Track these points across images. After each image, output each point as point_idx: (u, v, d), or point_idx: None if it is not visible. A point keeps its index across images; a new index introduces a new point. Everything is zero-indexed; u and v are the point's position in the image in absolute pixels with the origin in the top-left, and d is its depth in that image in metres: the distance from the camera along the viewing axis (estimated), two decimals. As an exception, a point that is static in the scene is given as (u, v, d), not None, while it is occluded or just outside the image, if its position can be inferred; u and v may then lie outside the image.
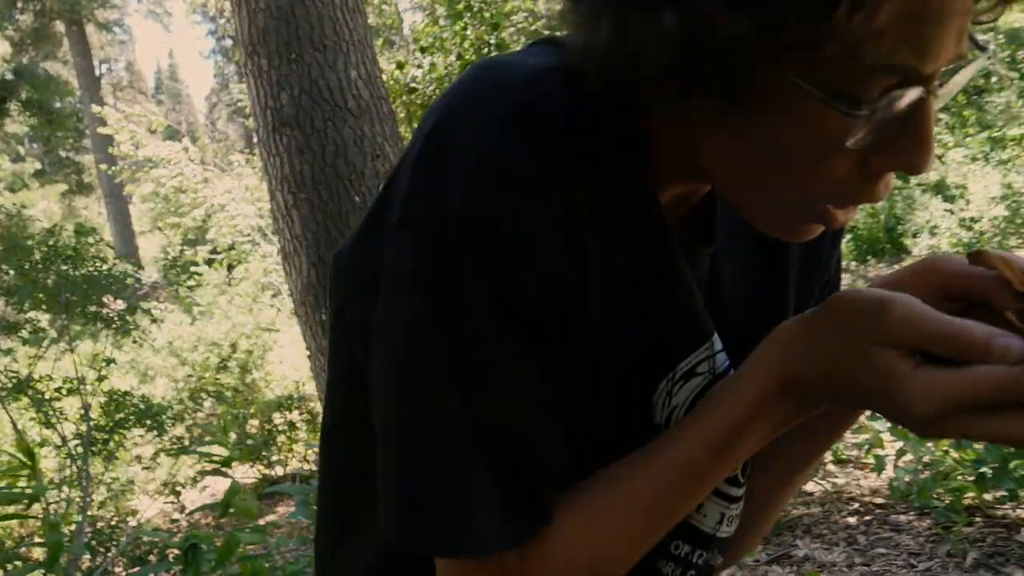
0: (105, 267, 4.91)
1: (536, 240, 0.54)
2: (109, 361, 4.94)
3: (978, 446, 2.95)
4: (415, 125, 6.40)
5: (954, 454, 3.12)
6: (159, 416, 4.67)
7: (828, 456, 3.78)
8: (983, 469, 2.86)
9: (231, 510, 2.47)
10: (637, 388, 0.62)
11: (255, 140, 4.17)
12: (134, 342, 5.35)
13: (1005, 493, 2.86)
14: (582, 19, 0.54)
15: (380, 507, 0.58)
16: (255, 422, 6.76)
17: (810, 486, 3.48)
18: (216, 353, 7.05)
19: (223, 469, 2.72)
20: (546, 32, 6.04)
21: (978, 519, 2.89)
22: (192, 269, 8.33)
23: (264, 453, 6.39)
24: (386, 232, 0.56)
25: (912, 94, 0.50)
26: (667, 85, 0.52)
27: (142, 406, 4.69)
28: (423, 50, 5.82)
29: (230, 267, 9.71)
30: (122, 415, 4.58)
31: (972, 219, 7.05)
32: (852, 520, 3.18)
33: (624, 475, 0.59)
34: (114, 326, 4.87)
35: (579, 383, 0.58)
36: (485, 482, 0.55)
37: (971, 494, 2.96)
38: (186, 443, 5.35)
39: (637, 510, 0.59)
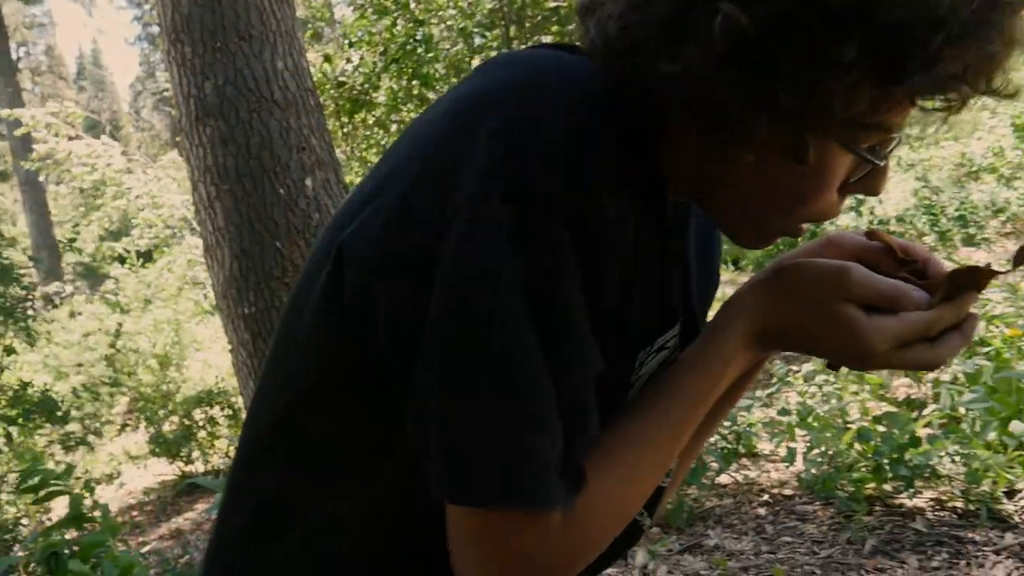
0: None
1: (609, 226, 0.61)
2: (8, 351, 4.78)
3: (877, 439, 3.09)
4: (344, 119, 6.39)
5: (857, 447, 3.26)
6: (54, 410, 4.54)
7: (742, 450, 3.91)
8: (882, 460, 3.00)
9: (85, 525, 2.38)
10: (627, 359, 0.71)
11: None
12: (33, 334, 5.19)
13: (902, 483, 3.01)
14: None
15: (433, 462, 0.60)
16: (175, 418, 6.62)
17: (723, 478, 3.60)
18: (133, 349, 6.88)
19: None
20: (475, 28, 6.08)
21: (877, 508, 3.03)
22: (112, 264, 8.12)
23: (184, 449, 6.27)
24: (459, 208, 0.58)
25: (894, 143, 0.66)
26: (748, 144, 0.62)
27: (37, 398, 4.55)
28: (351, 44, 5.78)
29: (149, 259, 9.50)
30: (17, 410, 4.44)
31: (881, 221, 7.38)
32: (761, 511, 3.29)
33: (636, 431, 0.68)
34: (15, 317, 4.72)
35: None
36: (554, 441, 0.60)
37: (872, 484, 3.11)
38: (83, 438, 5.20)
39: (648, 469, 0.68)
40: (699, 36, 0.57)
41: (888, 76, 0.57)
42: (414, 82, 5.67)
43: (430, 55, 5.65)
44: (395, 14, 5.66)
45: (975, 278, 0.67)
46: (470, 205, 0.58)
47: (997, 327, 4.08)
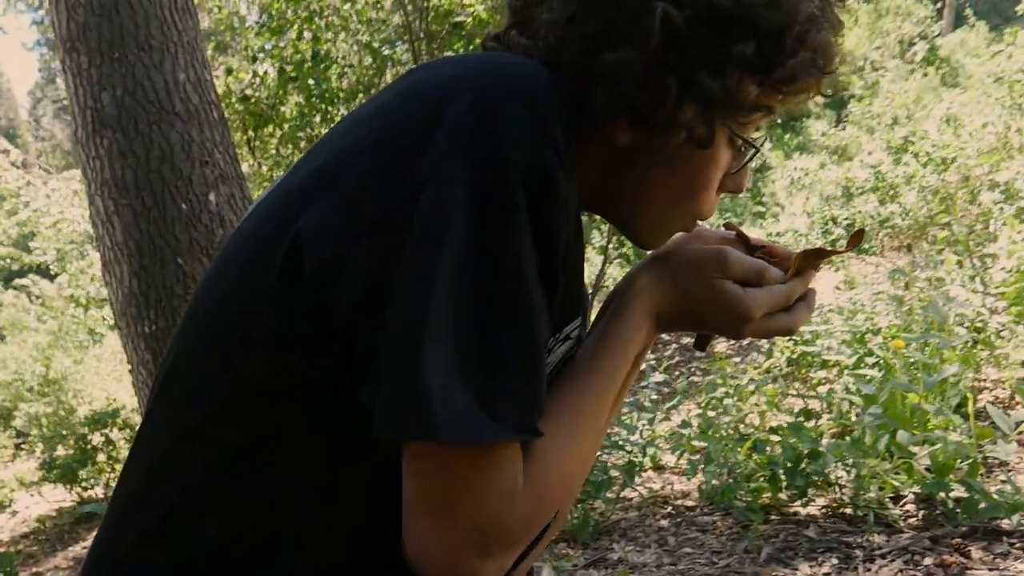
0: None
1: (562, 206, 0.66)
2: None
3: (774, 450, 3.20)
4: (251, 133, 6.27)
5: (755, 457, 3.37)
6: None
7: (648, 463, 3.99)
8: (778, 470, 3.11)
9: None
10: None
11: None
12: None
13: (796, 492, 3.12)
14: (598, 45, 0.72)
15: (397, 404, 0.60)
16: (70, 442, 6.33)
17: (628, 492, 3.66)
18: (15, 373, 6.57)
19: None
20: (379, 44, 6.06)
21: (773, 517, 3.13)
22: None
23: (80, 473, 6.01)
24: (432, 172, 0.63)
25: (761, 138, 0.82)
26: (676, 130, 0.73)
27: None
28: (255, 59, 5.69)
29: (48, 275, 9.11)
30: None
31: (778, 233, 7.70)
32: (664, 523, 3.36)
33: (571, 402, 0.73)
34: None
35: None
36: (522, 383, 0.63)
37: (768, 494, 3.21)
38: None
39: (586, 436, 0.73)
40: (636, 31, 0.70)
41: (769, 65, 0.72)
42: (314, 99, 5.62)
43: (330, 71, 5.61)
44: (298, 27, 5.61)
45: (818, 257, 0.82)
46: (436, 174, 0.62)
47: (884, 339, 4.29)
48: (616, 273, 8.42)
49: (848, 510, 3.04)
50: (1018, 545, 2.55)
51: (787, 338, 4.74)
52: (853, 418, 3.63)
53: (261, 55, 5.64)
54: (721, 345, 6.78)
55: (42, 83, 32.34)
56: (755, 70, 0.72)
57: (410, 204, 0.63)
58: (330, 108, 5.83)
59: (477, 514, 0.63)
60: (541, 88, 0.68)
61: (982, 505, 2.67)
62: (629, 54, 0.70)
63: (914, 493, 3.02)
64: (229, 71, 5.67)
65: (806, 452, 3.13)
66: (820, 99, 0.84)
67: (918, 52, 17.26)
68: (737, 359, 6.29)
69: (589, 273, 7.18)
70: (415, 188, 0.63)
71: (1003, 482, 2.90)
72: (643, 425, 3.83)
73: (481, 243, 0.62)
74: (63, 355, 7.41)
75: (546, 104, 0.67)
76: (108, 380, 7.63)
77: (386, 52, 5.93)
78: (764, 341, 6.01)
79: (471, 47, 5.56)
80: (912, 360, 3.67)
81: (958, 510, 2.76)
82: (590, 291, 5.92)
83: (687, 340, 7.22)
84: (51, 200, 9.46)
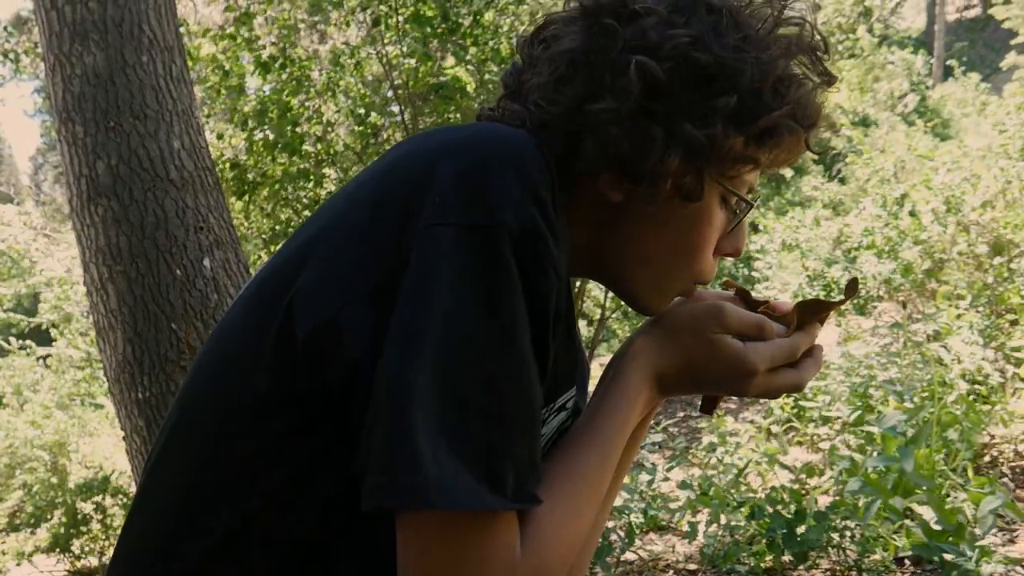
0: None
1: (553, 268, 0.66)
2: None
3: (767, 516, 3.14)
4: (247, 198, 6.31)
5: (756, 520, 3.30)
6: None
7: (649, 524, 3.91)
8: (775, 536, 3.04)
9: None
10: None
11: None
12: None
13: (796, 555, 3.05)
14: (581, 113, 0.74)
15: (388, 470, 0.59)
16: (58, 511, 6.23)
17: (629, 555, 3.58)
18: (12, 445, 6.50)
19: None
20: (364, 112, 6.17)
21: (776, 581, 3.06)
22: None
23: (73, 542, 5.90)
24: (422, 236, 0.63)
25: (756, 199, 0.83)
26: (663, 180, 0.73)
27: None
28: (244, 125, 5.78)
29: (47, 340, 9.08)
30: None
31: (775, 296, 7.69)
32: (666, 587, 3.29)
33: (569, 468, 0.72)
34: None
35: None
36: (518, 448, 0.62)
37: (770, 558, 3.14)
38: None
39: (586, 503, 0.71)
40: (619, 83, 0.72)
41: (750, 118, 0.74)
42: (294, 157, 5.72)
43: (286, 122, 5.68)
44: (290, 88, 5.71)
45: (818, 310, 0.81)
46: (426, 239, 0.63)
47: (886, 395, 4.24)
48: (616, 328, 8.40)
49: (853, 573, 2.97)
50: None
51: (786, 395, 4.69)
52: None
53: (249, 124, 5.73)
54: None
55: (44, 149, 32.77)
56: (737, 122, 0.73)
57: (400, 270, 0.63)
58: (327, 170, 5.90)
59: None
60: (528, 153, 0.68)
61: (957, 572, 2.60)
62: (613, 104, 0.72)
63: (918, 556, 2.96)
64: (220, 136, 5.74)
65: (795, 517, 3.07)
66: (810, 155, 0.85)
67: (908, 104, 17.50)
68: (739, 416, 6.23)
69: (587, 331, 7.16)
70: (405, 254, 0.63)
71: (1002, 545, 2.84)
72: (643, 486, 3.77)
73: (471, 307, 0.61)
74: (65, 417, 7.34)
75: (533, 169, 0.67)
76: (108, 444, 7.55)
77: (370, 119, 6.05)
78: (762, 401, 5.95)
79: (458, 113, 5.65)
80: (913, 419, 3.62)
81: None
82: (587, 349, 5.89)
83: (688, 399, 7.14)
84: (57, 261, 9.52)
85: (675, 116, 0.73)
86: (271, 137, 5.71)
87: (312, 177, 5.86)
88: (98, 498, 6.05)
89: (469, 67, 5.68)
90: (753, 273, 8.28)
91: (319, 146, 5.91)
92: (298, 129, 5.77)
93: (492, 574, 0.61)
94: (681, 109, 0.73)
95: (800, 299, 0.85)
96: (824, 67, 0.79)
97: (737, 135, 0.74)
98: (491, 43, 5.57)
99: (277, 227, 6.15)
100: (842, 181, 11.31)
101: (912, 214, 6.35)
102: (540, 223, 0.65)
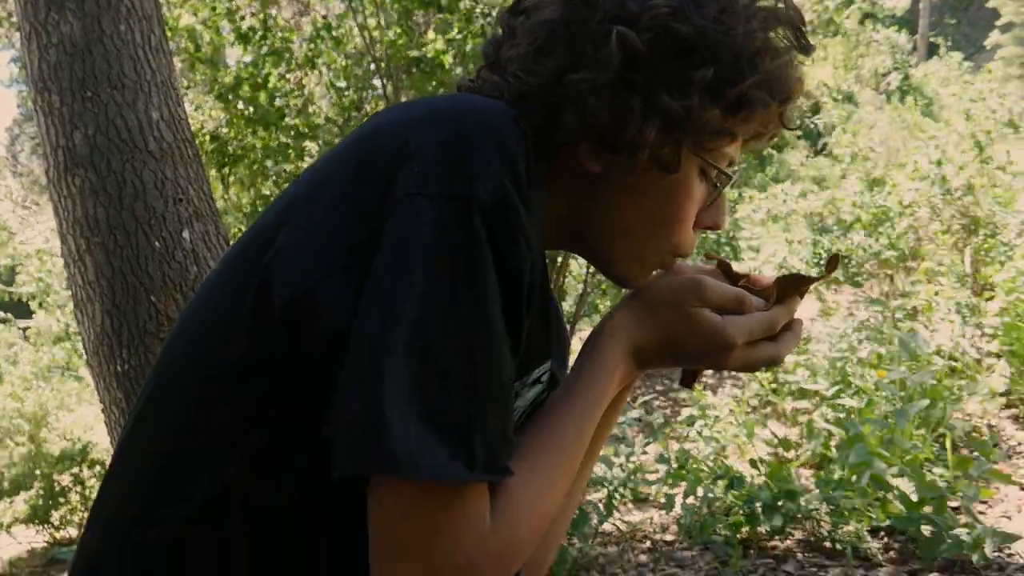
0: None
1: (525, 240, 0.66)
2: None
3: (753, 484, 3.18)
4: (227, 171, 6.25)
5: (734, 491, 3.35)
6: None
7: (628, 495, 3.95)
8: (755, 506, 3.09)
9: None
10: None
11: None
12: None
13: (773, 527, 3.10)
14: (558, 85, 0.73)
15: (360, 436, 0.60)
16: (37, 484, 6.21)
17: (607, 526, 3.62)
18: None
19: None
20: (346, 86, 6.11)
21: (752, 552, 3.11)
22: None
23: (53, 513, 5.89)
24: (402, 204, 0.64)
25: (735, 172, 0.82)
26: (631, 153, 0.73)
27: None
28: (221, 97, 5.71)
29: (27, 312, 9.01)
30: None
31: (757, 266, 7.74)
32: (644, 558, 3.33)
33: (543, 439, 0.72)
34: None
35: None
36: (490, 419, 0.62)
37: (746, 529, 3.18)
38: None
39: (560, 475, 0.71)
40: (598, 54, 0.72)
41: (727, 89, 0.74)
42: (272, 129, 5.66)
43: (261, 94, 5.62)
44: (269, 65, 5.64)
45: (797, 284, 0.81)
46: (401, 210, 0.63)
47: (863, 368, 4.29)
48: (599, 303, 8.42)
49: (827, 544, 3.02)
50: (994, 578, 2.54)
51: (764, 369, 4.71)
52: (832, 451, 3.61)
53: (232, 96, 5.66)
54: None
55: (20, 120, 32.26)
56: (714, 94, 0.73)
57: (375, 240, 0.63)
58: (308, 144, 5.84)
59: (442, 557, 0.61)
60: (506, 125, 0.68)
61: (945, 543, 2.66)
62: (592, 74, 0.72)
63: (891, 527, 3.01)
64: (198, 108, 5.67)
65: (783, 494, 3.12)
66: (789, 131, 0.84)
67: (892, 83, 17.54)
68: (718, 390, 6.28)
69: (568, 307, 7.17)
70: (380, 224, 0.63)
71: (981, 514, 2.90)
72: (621, 460, 3.80)
73: (444, 278, 0.62)
74: (46, 388, 7.29)
75: (511, 141, 0.67)
76: (88, 416, 7.52)
77: (347, 94, 6.00)
78: (742, 375, 6.01)
79: (440, 88, 5.61)
80: (890, 393, 3.67)
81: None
82: (569, 323, 5.90)
83: (663, 373, 7.21)
84: (38, 233, 9.42)
85: (653, 87, 0.73)
86: (249, 111, 5.65)
87: (292, 151, 5.81)
88: (76, 470, 6.04)
89: (451, 43, 5.62)
90: (738, 243, 8.31)
91: (298, 119, 5.86)
92: (276, 103, 5.71)
93: (461, 544, 0.61)
94: (659, 80, 0.73)
95: (781, 273, 0.84)
96: (805, 40, 0.79)
97: (714, 107, 0.74)
98: (485, 21, 5.51)
99: (259, 202, 6.10)
100: (828, 155, 11.33)
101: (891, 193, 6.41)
102: (513, 195, 0.65)
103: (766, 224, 8.21)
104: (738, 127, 0.77)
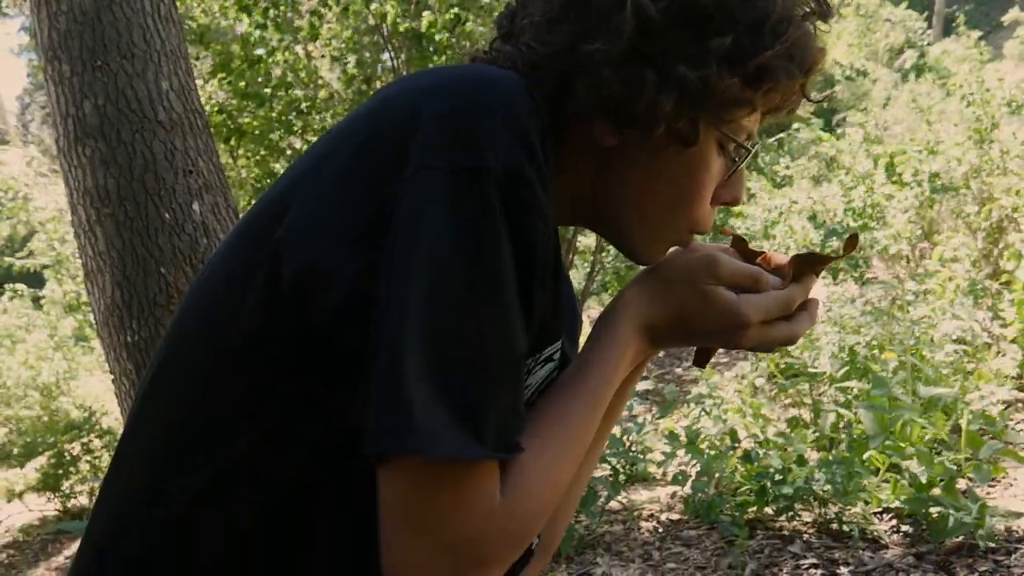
0: None
1: (547, 208, 0.66)
2: None
3: (764, 458, 3.17)
4: (234, 143, 6.22)
5: (744, 468, 3.35)
6: None
7: (636, 473, 3.96)
8: (765, 482, 3.09)
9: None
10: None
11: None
12: None
13: (782, 506, 3.10)
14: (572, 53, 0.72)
15: (378, 416, 0.59)
16: (48, 453, 6.27)
17: (614, 504, 3.63)
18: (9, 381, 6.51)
19: None
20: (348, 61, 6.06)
21: (759, 532, 3.11)
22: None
23: (63, 482, 5.95)
24: (412, 177, 0.62)
25: (754, 145, 0.79)
26: (647, 126, 0.71)
27: None
28: (214, 74, 5.68)
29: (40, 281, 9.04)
30: None
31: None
32: (649, 536, 3.34)
33: (554, 414, 0.71)
34: None
35: None
36: (502, 397, 0.62)
37: (753, 508, 3.19)
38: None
39: (572, 452, 0.70)
40: (612, 24, 0.70)
41: (746, 58, 0.71)
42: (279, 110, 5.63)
43: (259, 69, 5.57)
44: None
45: (813, 263, 0.79)
46: (413, 183, 0.62)
47: (872, 351, 4.28)
48: (610, 281, 8.41)
49: (834, 525, 3.02)
50: (1003, 562, 2.54)
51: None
52: (841, 434, 3.60)
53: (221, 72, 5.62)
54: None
55: (31, 89, 32.23)
56: (733, 63, 0.71)
57: (384, 213, 0.62)
58: (315, 117, 5.80)
59: (453, 533, 0.61)
60: (517, 96, 0.67)
61: (951, 525, 2.66)
62: (606, 44, 0.70)
63: (899, 509, 3.01)
64: (206, 80, 5.63)
65: (795, 459, 3.12)
66: (807, 105, 0.82)
67: (907, 61, 17.33)
68: (728, 373, 6.28)
69: (577, 281, 7.16)
70: (392, 197, 0.62)
71: (991, 498, 2.89)
72: (630, 437, 3.80)
73: (458, 253, 0.61)
74: (60, 357, 7.34)
75: (522, 111, 0.66)
76: (100, 386, 7.58)
77: (349, 67, 5.95)
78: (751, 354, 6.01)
79: (444, 59, 5.56)
80: (901, 376, 3.65)
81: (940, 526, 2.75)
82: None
83: (674, 352, 7.20)
84: (54, 201, 9.44)
85: (669, 57, 0.70)
86: (242, 86, 5.60)
87: (295, 126, 5.78)
88: (85, 439, 6.09)
89: (443, 19, 5.55)
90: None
91: (300, 94, 5.81)
92: (274, 76, 5.67)
93: (472, 520, 0.61)
94: (675, 50, 0.71)
95: (797, 252, 0.82)
96: (826, 4, 0.77)
97: (732, 77, 0.72)
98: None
99: (268, 180, 6.08)
100: (844, 133, 11.23)
101: (895, 180, 6.35)
102: (527, 167, 0.64)
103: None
104: (759, 99, 0.75)
